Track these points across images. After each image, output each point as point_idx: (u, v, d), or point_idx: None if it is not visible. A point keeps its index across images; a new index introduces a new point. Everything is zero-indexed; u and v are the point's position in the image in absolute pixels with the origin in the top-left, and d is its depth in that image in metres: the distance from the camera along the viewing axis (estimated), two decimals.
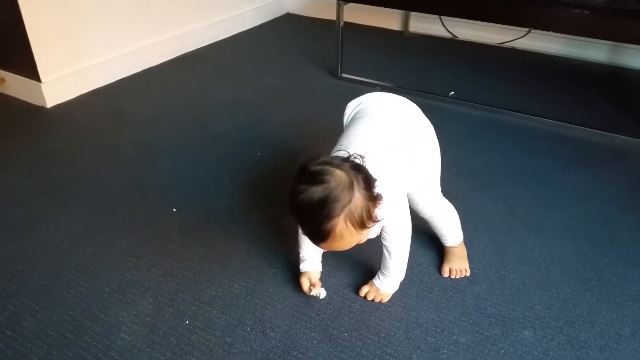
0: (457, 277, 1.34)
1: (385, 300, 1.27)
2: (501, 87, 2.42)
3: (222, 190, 1.66)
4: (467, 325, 1.21)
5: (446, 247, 1.38)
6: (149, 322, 1.20)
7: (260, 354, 1.13)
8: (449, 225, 1.35)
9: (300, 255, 1.27)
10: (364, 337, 1.18)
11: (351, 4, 2.36)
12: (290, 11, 3.44)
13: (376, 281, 1.26)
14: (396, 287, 1.27)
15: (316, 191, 0.96)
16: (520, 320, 1.22)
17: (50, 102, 2.15)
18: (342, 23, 2.39)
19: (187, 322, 1.20)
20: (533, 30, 2.71)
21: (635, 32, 1.89)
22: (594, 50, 2.65)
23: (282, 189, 1.55)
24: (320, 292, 1.25)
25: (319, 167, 0.98)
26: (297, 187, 0.98)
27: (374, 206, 1.01)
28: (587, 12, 1.90)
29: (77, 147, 1.89)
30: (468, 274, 1.35)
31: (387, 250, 1.20)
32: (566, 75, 2.56)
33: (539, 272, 1.36)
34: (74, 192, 1.65)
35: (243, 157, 1.84)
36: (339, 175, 0.98)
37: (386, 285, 1.25)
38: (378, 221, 1.03)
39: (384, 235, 1.18)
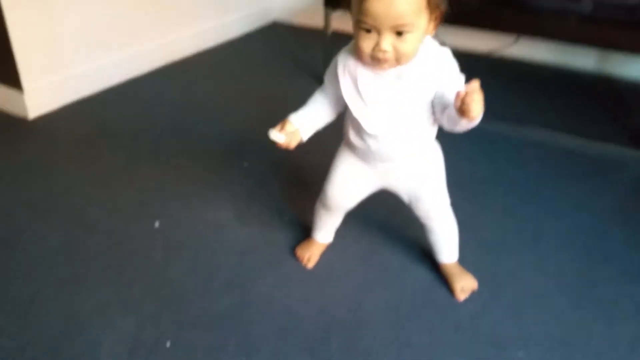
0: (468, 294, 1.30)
1: None
2: (490, 96, 2.34)
3: (207, 204, 1.61)
4: (459, 346, 1.17)
5: (443, 264, 1.33)
6: (129, 343, 1.15)
7: None
8: (449, 237, 1.31)
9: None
10: (353, 358, 1.14)
11: (339, 12, 2.33)
12: (277, 19, 3.41)
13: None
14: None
15: None
16: (514, 339, 1.18)
17: (33, 112, 2.09)
18: (329, 31, 2.36)
19: (168, 344, 1.15)
20: (521, 39, 2.70)
21: (623, 40, 1.89)
22: (583, 59, 2.64)
23: (269, 200, 1.50)
24: (278, 136, 1.15)
25: None
26: None
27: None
28: (574, 18, 1.89)
29: (59, 159, 1.84)
30: (476, 287, 1.31)
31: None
32: (556, 85, 2.54)
33: (533, 289, 1.33)
34: (55, 205, 1.59)
35: (229, 168, 1.79)
36: None
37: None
38: (440, 11, 1.03)
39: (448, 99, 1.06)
